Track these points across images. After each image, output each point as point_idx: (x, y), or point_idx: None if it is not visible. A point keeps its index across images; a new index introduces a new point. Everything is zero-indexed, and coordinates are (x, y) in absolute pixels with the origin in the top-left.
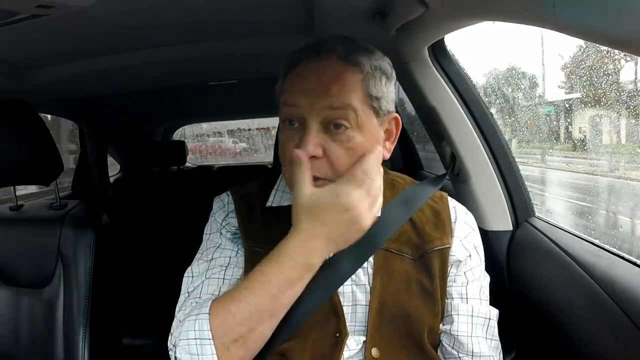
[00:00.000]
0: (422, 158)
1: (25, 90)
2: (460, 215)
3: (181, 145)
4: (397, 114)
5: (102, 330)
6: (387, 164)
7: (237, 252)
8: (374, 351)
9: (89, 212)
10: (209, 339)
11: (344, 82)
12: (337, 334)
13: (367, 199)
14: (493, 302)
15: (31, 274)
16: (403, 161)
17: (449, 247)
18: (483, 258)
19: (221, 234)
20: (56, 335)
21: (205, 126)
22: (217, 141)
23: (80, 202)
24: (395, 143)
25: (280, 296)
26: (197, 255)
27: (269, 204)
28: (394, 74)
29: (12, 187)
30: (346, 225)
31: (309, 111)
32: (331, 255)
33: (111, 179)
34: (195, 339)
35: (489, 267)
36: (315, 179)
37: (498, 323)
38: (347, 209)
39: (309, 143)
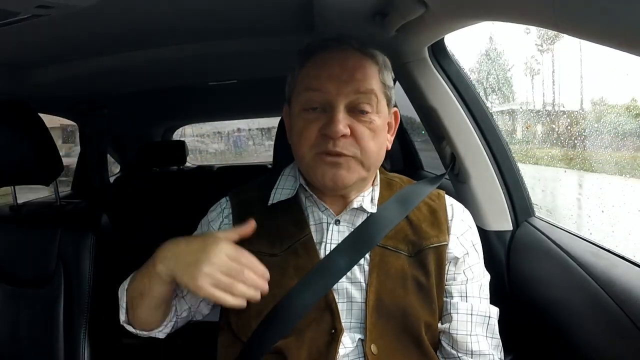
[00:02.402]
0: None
1: (25, 90)
2: (457, 213)
3: (181, 145)
4: (396, 108)
5: (102, 330)
6: (387, 164)
7: None
8: (373, 347)
9: (89, 212)
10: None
11: (365, 70)
12: (333, 331)
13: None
14: (493, 302)
15: (31, 274)
16: (403, 161)
17: (446, 245)
18: (482, 255)
19: None
20: (57, 335)
21: None
22: None
23: (80, 202)
24: (394, 135)
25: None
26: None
27: (270, 203)
28: None
29: (12, 187)
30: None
31: (336, 95)
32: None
33: (111, 179)
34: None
35: (489, 267)
36: (341, 155)
37: (498, 323)
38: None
39: (339, 122)
